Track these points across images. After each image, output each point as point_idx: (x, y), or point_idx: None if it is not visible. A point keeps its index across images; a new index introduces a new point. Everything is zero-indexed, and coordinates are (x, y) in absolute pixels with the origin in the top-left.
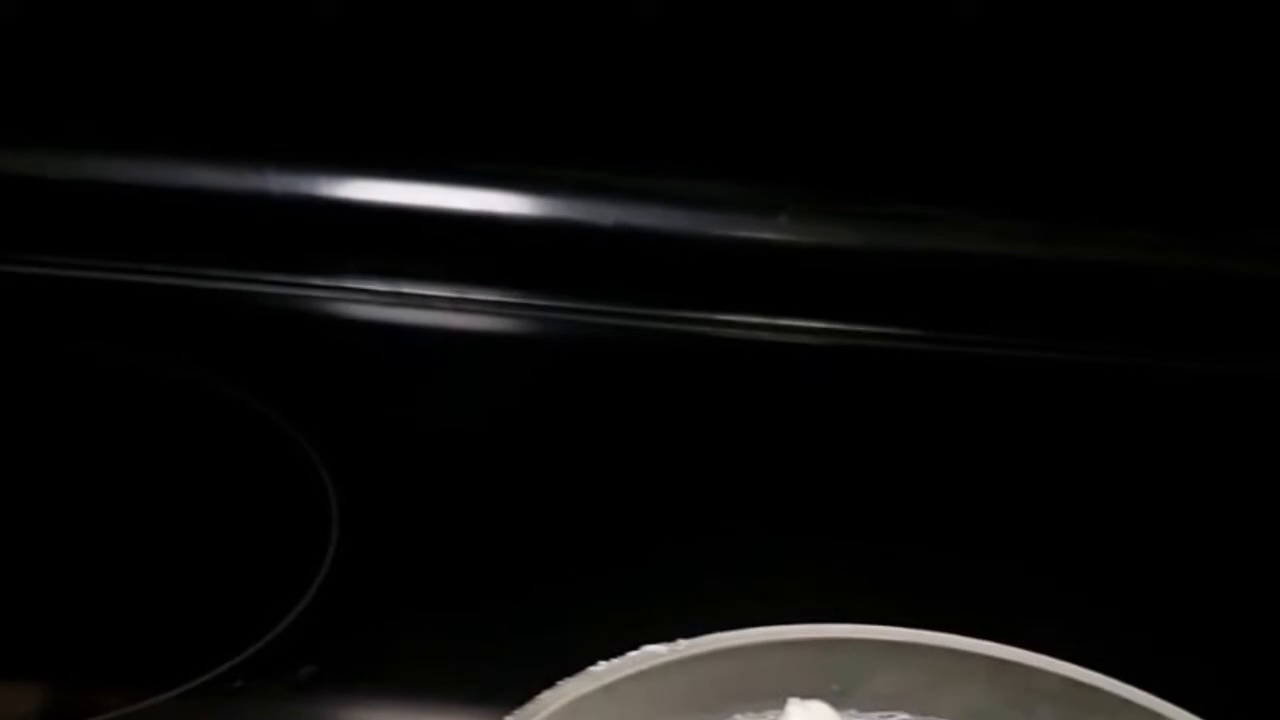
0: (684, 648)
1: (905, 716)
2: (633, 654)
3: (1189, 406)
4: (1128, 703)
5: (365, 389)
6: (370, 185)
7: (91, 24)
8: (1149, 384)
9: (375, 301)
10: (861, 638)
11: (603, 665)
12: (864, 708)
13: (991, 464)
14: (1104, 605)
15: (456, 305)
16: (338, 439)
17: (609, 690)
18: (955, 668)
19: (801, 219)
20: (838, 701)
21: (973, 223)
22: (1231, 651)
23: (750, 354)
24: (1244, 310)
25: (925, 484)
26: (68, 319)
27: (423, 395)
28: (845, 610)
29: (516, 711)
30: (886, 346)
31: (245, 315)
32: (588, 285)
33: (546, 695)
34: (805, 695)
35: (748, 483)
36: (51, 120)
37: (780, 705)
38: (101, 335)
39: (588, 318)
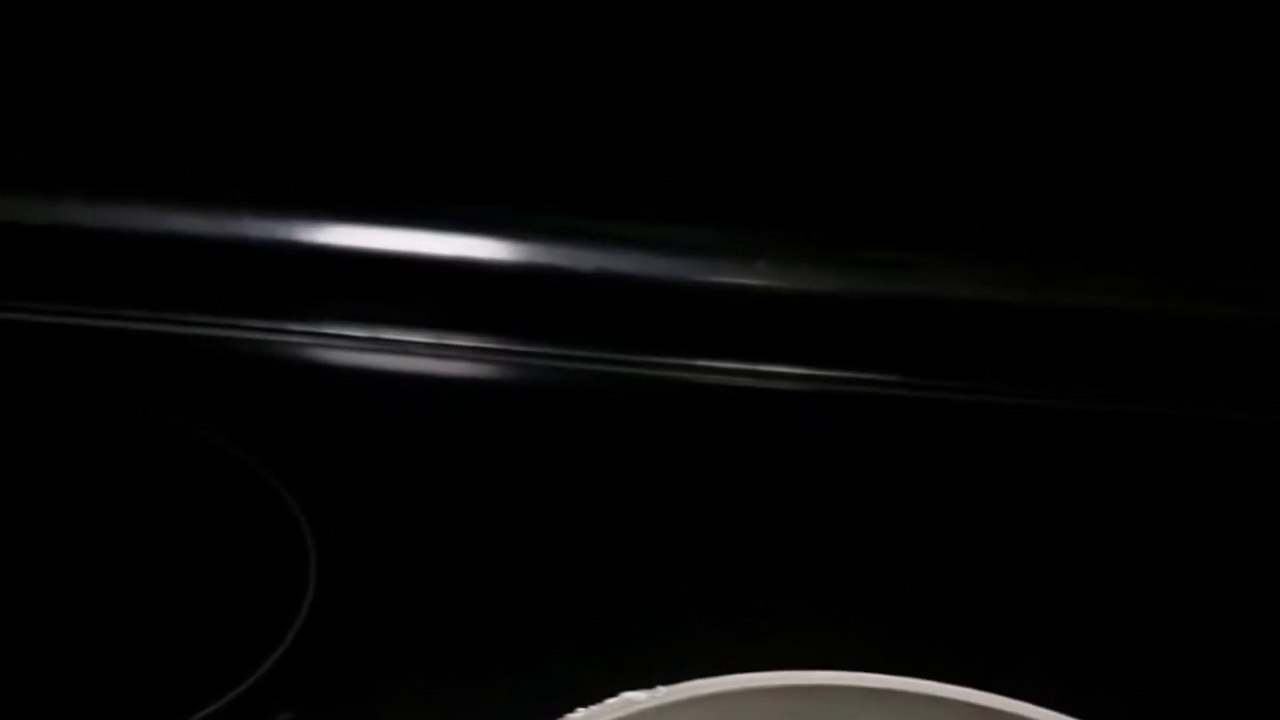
0: (663, 694)
1: None
2: (611, 701)
3: (1172, 452)
4: None
5: (343, 434)
6: (348, 230)
7: (66, 69)
8: (1132, 429)
9: (353, 347)
10: (842, 684)
11: (581, 712)
12: None
13: (973, 509)
14: (1086, 651)
15: (435, 351)
16: (315, 484)
17: None
18: (936, 714)
19: (781, 264)
20: None
21: (954, 268)
22: (1214, 698)
23: (730, 400)
24: (1229, 355)
25: (906, 529)
26: (44, 365)
27: (401, 441)
28: (826, 656)
29: None
30: (867, 392)
31: (222, 361)
32: (567, 331)
33: None
34: None
35: (728, 529)
36: (27, 165)
37: None
38: (77, 381)
39: (567, 364)
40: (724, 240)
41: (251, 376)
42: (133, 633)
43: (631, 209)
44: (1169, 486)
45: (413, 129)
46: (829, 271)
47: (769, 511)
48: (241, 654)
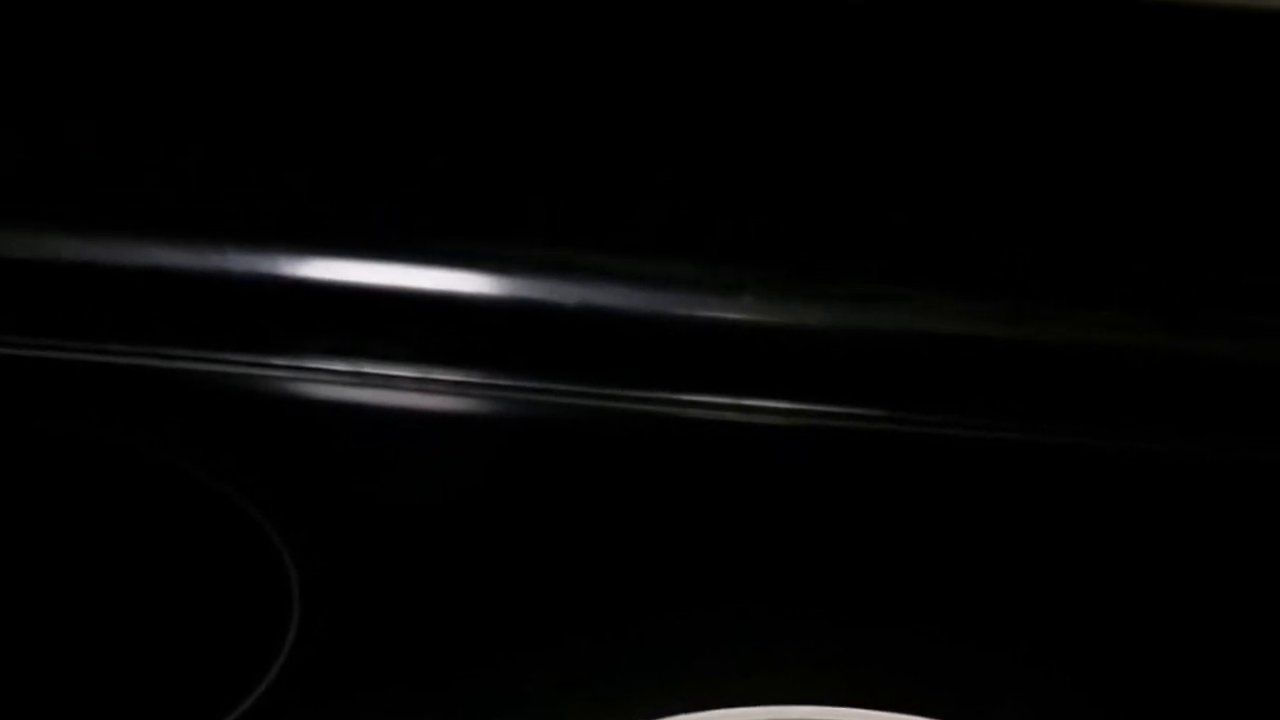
0: None
1: None
2: None
3: (1157, 488)
4: None
5: (327, 469)
6: (332, 264)
7: (47, 103)
8: (1117, 465)
9: (337, 382)
10: None
11: None
12: None
13: (958, 545)
14: (1071, 688)
15: (419, 385)
16: (299, 519)
17: None
18: None
19: (766, 299)
20: None
21: (940, 303)
22: None
23: (715, 434)
24: (1213, 391)
25: (891, 565)
26: (26, 399)
27: (385, 475)
28: (810, 692)
29: None
30: (852, 427)
31: (205, 395)
32: (551, 365)
33: None
34: None
35: (712, 564)
36: (8, 200)
37: None
38: (60, 415)
39: (551, 398)
40: (709, 274)
41: (235, 410)
42: (116, 667)
43: (616, 243)
44: (1154, 523)
45: (397, 163)
46: (814, 306)
47: (753, 546)
48: (225, 689)
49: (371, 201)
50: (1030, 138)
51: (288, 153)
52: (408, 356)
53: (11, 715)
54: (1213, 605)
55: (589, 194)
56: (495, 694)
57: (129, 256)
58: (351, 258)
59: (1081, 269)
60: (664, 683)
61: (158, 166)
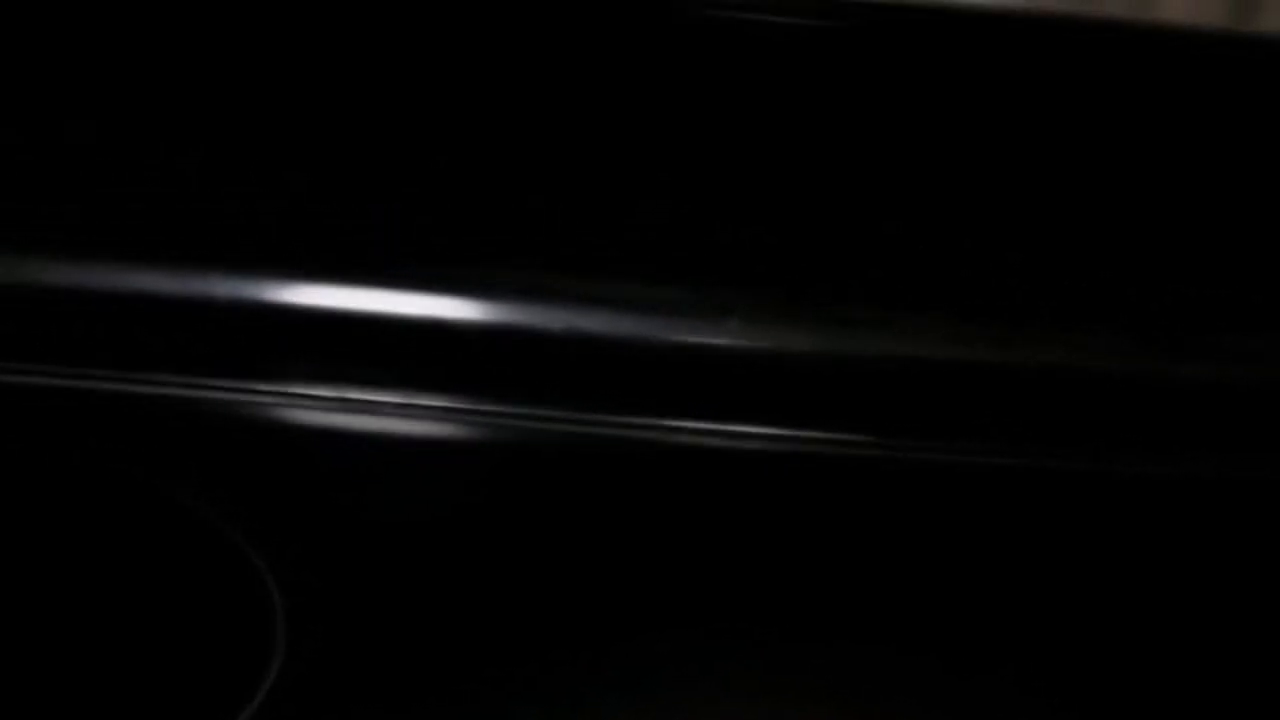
0: None
1: None
2: None
3: (1147, 512)
4: None
5: (311, 495)
6: (316, 290)
7: (31, 130)
8: (1106, 489)
9: (321, 407)
10: None
11: None
12: None
13: (945, 569)
14: (1059, 710)
15: (404, 411)
16: (283, 545)
17: None
18: None
19: (752, 324)
20: None
21: (926, 327)
22: None
23: (700, 460)
24: (1203, 414)
25: (877, 589)
26: (7, 424)
27: (370, 501)
28: (797, 713)
29: None
30: (838, 453)
31: (189, 421)
32: (536, 391)
33: None
34: None
35: (697, 588)
36: None
37: None
38: (43, 440)
39: (537, 424)
40: (695, 299)
41: (219, 436)
42: (97, 694)
43: (601, 268)
44: (1144, 546)
45: (382, 188)
46: (801, 330)
47: (738, 572)
48: (210, 715)
49: (356, 227)
50: (1018, 163)
51: (272, 178)
52: (392, 382)
53: None
54: (1206, 627)
55: (574, 219)
56: (480, 717)
57: (112, 281)
58: (336, 283)
59: (1069, 293)
60: (649, 706)
61: (141, 191)
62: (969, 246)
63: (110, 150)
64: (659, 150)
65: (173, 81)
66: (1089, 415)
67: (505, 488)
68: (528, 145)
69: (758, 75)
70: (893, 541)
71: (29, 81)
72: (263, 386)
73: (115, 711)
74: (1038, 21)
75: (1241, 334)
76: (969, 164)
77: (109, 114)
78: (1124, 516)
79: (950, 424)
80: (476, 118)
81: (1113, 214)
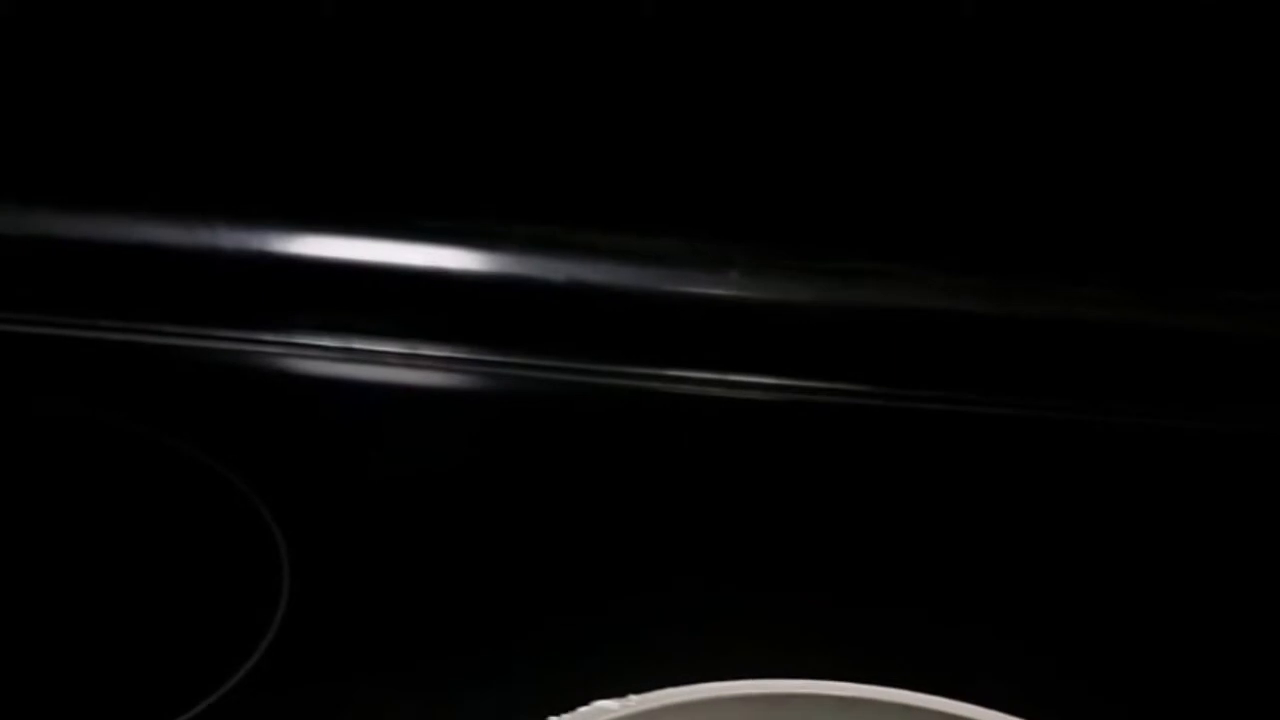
0: (635, 703)
1: None
2: (584, 709)
3: (1142, 461)
4: None
5: (316, 444)
6: (321, 241)
7: (38, 79)
8: (1102, 439)
9: (326, 357)
10: (812, 693)
11: None
12: None
13: (941, 519)
14: (1054, 661)
15: (407, 361)
16: (288, 495)
17: None
18: None
19: (752, 275)
20: None
21: (923, 278)
22: (1180, 707)
23: (702, 409)
24: (1199, 365)
25: (875, 539)
26: (15, 374)
27: (373, 451)
28: (796, 665)
29: None
30: (838, 402)
31: (195, 371)
32: (539, 341)
33: None
34: None
35: (699, 538)
36: None
37: None
38: (49, 390)
39: (539, 373)
40: (696, 250)
41: (224, 386)
42: (104, 642)
43: (604, 219)
44: (1139, 496)
45: (386, 140)
46: (800, 281)
47: (740, 521)
48: (214, 664)
49: (361, 178)
50: (1015, 116)
51: (277, 130)
52: (396, 332)
53: (2, 686)
54: (1199, 576)
55: (577, 171)
56: (484, 669)
57: (118, 232)
58: (340, 234)
59: (1066, 245)
60: (653, 657)
61: (148, 143)
62: (968, 199)
63: (115, 101)
64: (660, 104)
65: (182, 34)
66: (1086, 366)
67: (508, 437)
68: (532, 98)
69: (757, 30)
70: (891, 490)
71: (37, 35)
72: (268, 337)
73: (122, 658)
74: None
75: (1237, 286)
76: (967, 118)
77: (117, 68)
78: (1119, 466)
79: (948, 374)
80: (481, 71)
81: (1109, 167)
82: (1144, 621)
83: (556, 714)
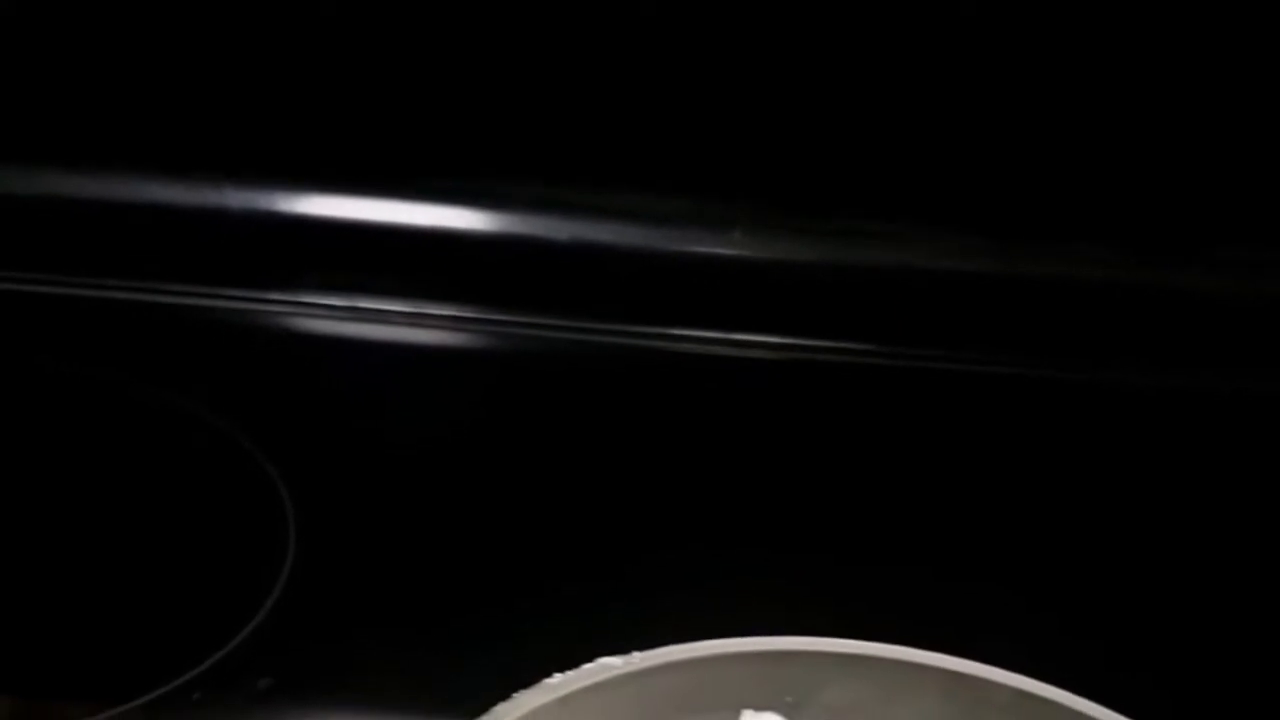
0: (638, 660)
1: None
2: (588, 666)
3: (1144, 422)
4: (1079, 715)
5: (322, 403)
6: (328, 201)
7: (47, 41)
8: (1102, 399)
9: (332, 316)
10: (814, 650)
11: (558, 677)
12: (817, 719)
13: (944, 478)
14: (1056, 618)
15: (413, 320)
16: (295, 452)
17: (564, 702)
18: (907, 680)
19: (755, 234)
20: (790, 713)
21: (927, 238)
22: (1182, 664)
23: (705, 368)
24: (1202, 325)
25: (878, 498)
26: (24, 333)
27: (379, 409)
28: (798, 623)
29: None
30: (840, 361)
31: (202, 330)
32: (544, 300)
33: (502, 707)
34: (758, 707)
35: (701, 497)
36: (9, 135)
37: (734, 717)
38: (57, 350)
39: (544, 332)
40: (699, 210)
41: (231, 345)
42: (113, 600)
43: (608, 180)
44: (1141, 456)
45: (392, 101)
46: (803, 241)
47: (743, 480)
48: (220, 620)
49: (367, 138)
50: (1018, 75)
51: (285, 91)
52: (402, 291)
53: (13, 644)
54: (1201, 535)
55: (582, 131)
56: (489, 627)
57: (127, 192)
58: (347, 194)
59: (1068, 204)
60: (656, 616)
61: (155, 103)
62: (971, 158)
63: (123, 61)
64: (664, 65)
65: None
66: (1088, 325)
67: (513, 395)
68: (537, 59)
69: None
70: (894, 449)
71: None
72: (275, 296)
73: (129, 615)
74: None
75: (1239, 245)
76: (971, 78)
77: (123, 27)
78: (1122, 425)
79: (951, 333)
80: (487, 31)
81: (1112, 127)
82: (1145, 580)
83: (561, 670)
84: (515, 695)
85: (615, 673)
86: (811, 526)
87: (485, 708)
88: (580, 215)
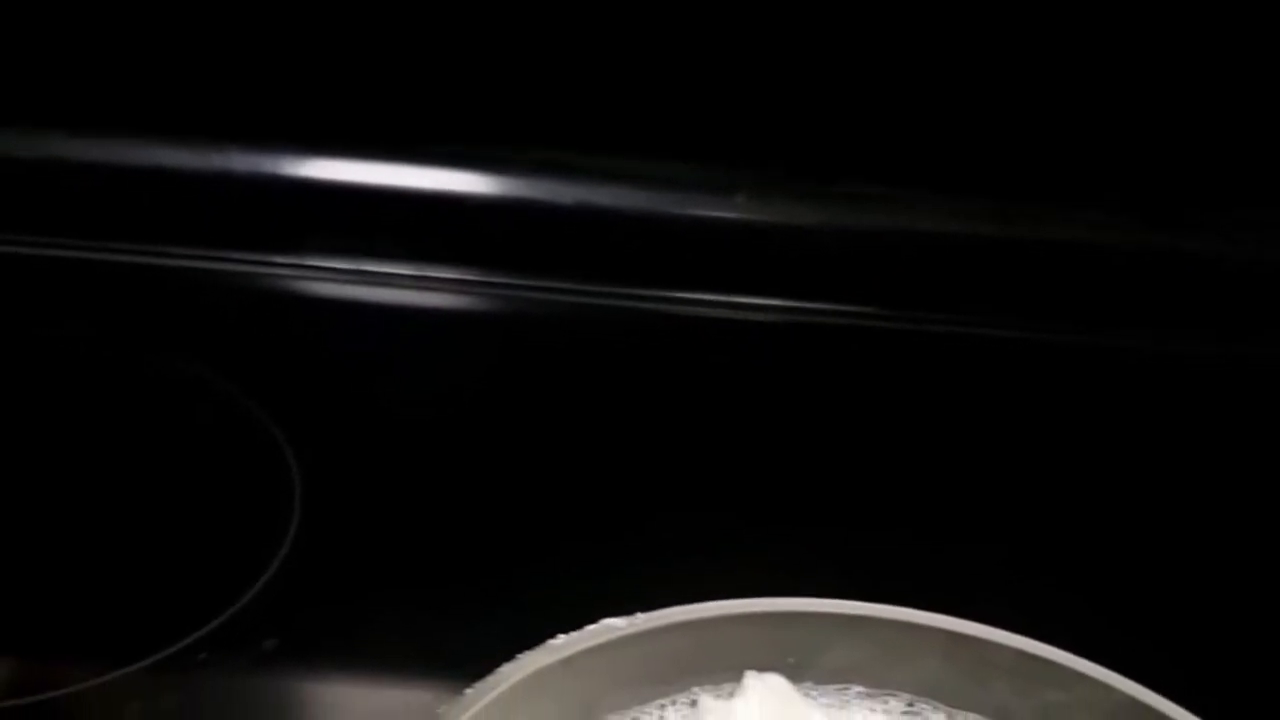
0: (642, 621)
1: (860, 689)
2: (591, 627)
3: (1142, 385)
4: (1081, 675)
5: (327, 366)
6: (333, 164)
7: (50, 3)
8: (1103, 363)
9: (338, 279)
10: (816, 611)
11: (562, 638)
12: (819, 680)
13: (945, 441)
14: (1057, 579)
15: (419, 283)
16: (300, 415)
17: (568, 663)
18: (909, 641)
19: (758, 198)
20: (793, 674)
21: (929, 201)
22: (1182, 625)
23: (707, 331)
24: (1199, 289)
25: (879, 462)
26: (29, 297)
27: (384, 372)
28: (800, 586)
29: (477, 684)
30: (842, 324)
31: (208, 293)
32: (548, 263)
33: (507, 668)
34: (761, 668)
35: (704, 461)
36: (13, 99)
37: (737, 678)
38: (63, 313)
39: (548, 295)
40: (703, 174)
41: (236, 309)
42: (120, 561)
43: (612, 143)
44: (1142, 419)
45: (397, 65)
46: (806, 205)
47: (745, 444)
48: (226, 581)
49: (372, 102)
50: (1021, 38)
51: (290, 53)
52: (407, 254)
53: (20, 603)
54: (1201, 498)
55: (586, 95)
56: (493, 588)
57: (132, 155)
58: (352, 157)
59: (1071, 168)
60: (659, 578)
61: (159, 66)
62: (973, 122)
63: (127, 24)
64: (668, 28)
65: None
66: (1090, 288)
67: (517, 358)
68: (542, 23)
69: None
70: (897, 410)
71: None
72: (280, 259)
73: (138, 575)
74: None
75: (1241, 208)
76: (972, 42)
77: None
78: (1122, 388)
79: (953, 296)
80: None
81: (1113, 91)
82: (1145, 542)
83: (565, 631)
84: (519, 656)
85: (619, 634)
86: (815, 489)
87: (490, 668)
88: (585, 179)
